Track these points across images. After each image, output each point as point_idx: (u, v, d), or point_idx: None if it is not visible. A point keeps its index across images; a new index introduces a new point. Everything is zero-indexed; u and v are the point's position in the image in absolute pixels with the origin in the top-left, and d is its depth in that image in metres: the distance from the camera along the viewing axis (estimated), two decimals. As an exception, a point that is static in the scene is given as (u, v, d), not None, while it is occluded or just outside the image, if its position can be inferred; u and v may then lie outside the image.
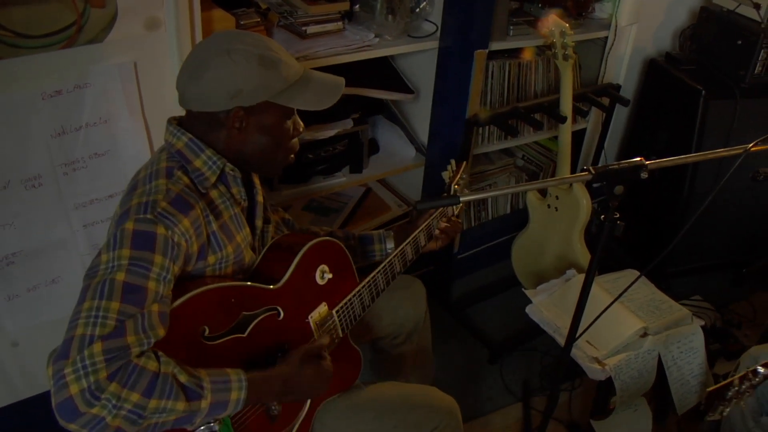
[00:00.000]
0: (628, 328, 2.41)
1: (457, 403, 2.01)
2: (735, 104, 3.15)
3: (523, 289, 2.60)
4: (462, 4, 2.59)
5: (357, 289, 1.87)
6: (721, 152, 1.78)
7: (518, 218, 3.27)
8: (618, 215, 1.70)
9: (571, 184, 2.82)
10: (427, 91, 2.84)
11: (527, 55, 3.05)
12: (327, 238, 1.82)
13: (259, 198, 1.81)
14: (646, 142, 3.50)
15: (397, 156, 2.97)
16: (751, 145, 1.75)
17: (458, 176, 2.23)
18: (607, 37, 3.30)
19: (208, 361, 1.49)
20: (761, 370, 1.95)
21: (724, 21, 3.22)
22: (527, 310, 2.52)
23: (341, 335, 1.86)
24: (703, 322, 2.52)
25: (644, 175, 1.65)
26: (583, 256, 2.95)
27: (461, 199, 1.61)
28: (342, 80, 1.72)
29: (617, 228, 1.74)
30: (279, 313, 1.67)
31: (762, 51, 3.09)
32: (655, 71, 3.46)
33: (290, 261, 1.71)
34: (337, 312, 1.83)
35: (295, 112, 1.70)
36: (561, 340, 2.34)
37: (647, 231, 3.57)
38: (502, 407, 2.83)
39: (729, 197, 3.36)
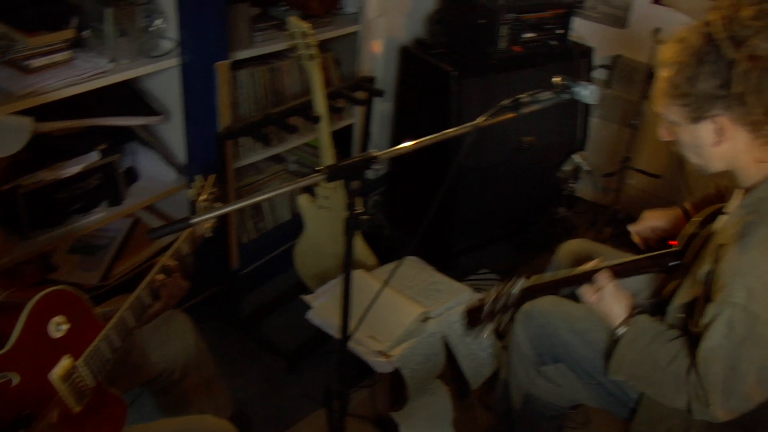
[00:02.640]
0: (407, 315, 2.43)
1: (262, 418, 1.94)
2: (486, 80, 3.27)
3: (301, 297, 2.57)
4: (195, 19, 2.51)
5: (103, 333, 1.74)
6: (452, 132, 1.81)
7: (300, 222, 3.22)
8: (362, 210, 1.72)
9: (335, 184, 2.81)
10: (177, 110, 2.73)
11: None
12: (57, 287, 1.66)
13: None
14: (411, 128, 3.56)
15: (158, 181, 2.84)
16: (480, 119, 1.80)
17: (207, 192, 2.13)
18: (358, 32, 3.33)
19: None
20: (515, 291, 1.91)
21: (466, 2, 3.33)
22: (307, 316, 2.50)
23: (92, 385, 1.72)
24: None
25: (378, 167, 1.66)
26: (361, 252, 2.97)
27: (191, 221, 1.53)
28: (27, 120, 1.57)
29: (361, 223, 1.75)
30: (11, 381, 1.52)
31: (502, 27, 3.23)
32: (408, 58, 3.54)
33: (15, 321, 1.55)
34: (83, 361, 1.70)
35: None
36: (344, 341, 2.33)
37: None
38: (307, 415, 2.77)
39: (499, 169, 3.49)
